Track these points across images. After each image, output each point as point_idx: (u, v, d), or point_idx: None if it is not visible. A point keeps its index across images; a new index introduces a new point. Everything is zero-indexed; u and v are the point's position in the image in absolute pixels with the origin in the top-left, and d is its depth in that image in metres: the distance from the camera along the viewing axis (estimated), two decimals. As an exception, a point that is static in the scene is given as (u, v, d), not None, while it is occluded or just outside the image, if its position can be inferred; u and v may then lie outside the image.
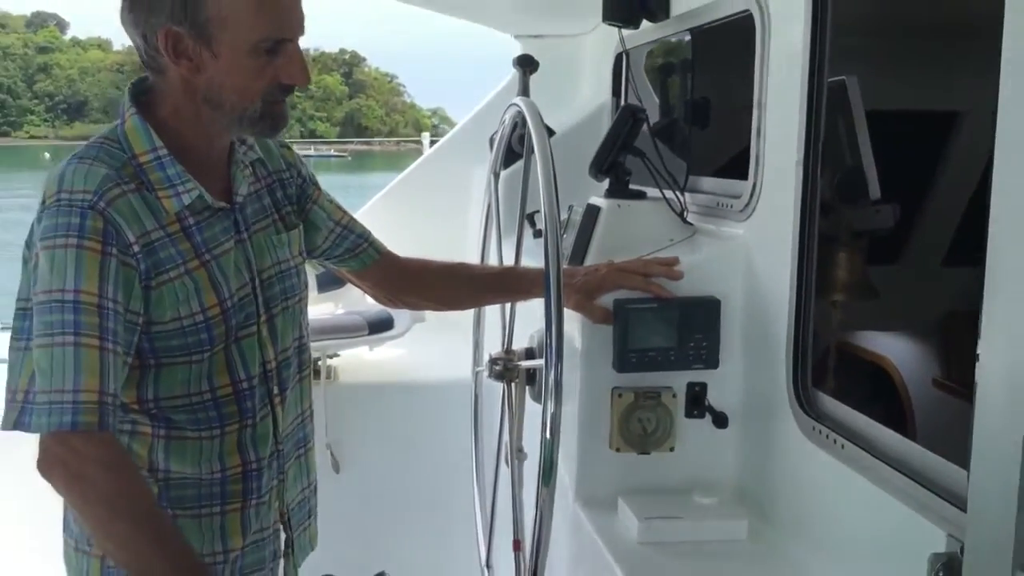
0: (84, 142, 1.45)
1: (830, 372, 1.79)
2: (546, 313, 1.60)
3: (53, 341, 1.29)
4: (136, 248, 1.34)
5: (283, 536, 1.63)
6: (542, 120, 1.83)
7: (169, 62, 1.38)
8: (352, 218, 1.78)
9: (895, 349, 2.24)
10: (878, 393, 1.92)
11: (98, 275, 1.30)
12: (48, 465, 1.30)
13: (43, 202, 1.35)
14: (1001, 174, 0.80)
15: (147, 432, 1.44)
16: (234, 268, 1.46)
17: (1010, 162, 0.79)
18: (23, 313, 1.36)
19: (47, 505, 1.48)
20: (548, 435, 1.59)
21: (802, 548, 1.65)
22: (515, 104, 1.98)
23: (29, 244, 1.36)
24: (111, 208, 1.32)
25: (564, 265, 1.95)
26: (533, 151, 1.75)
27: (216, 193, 1.47)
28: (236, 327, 1.46)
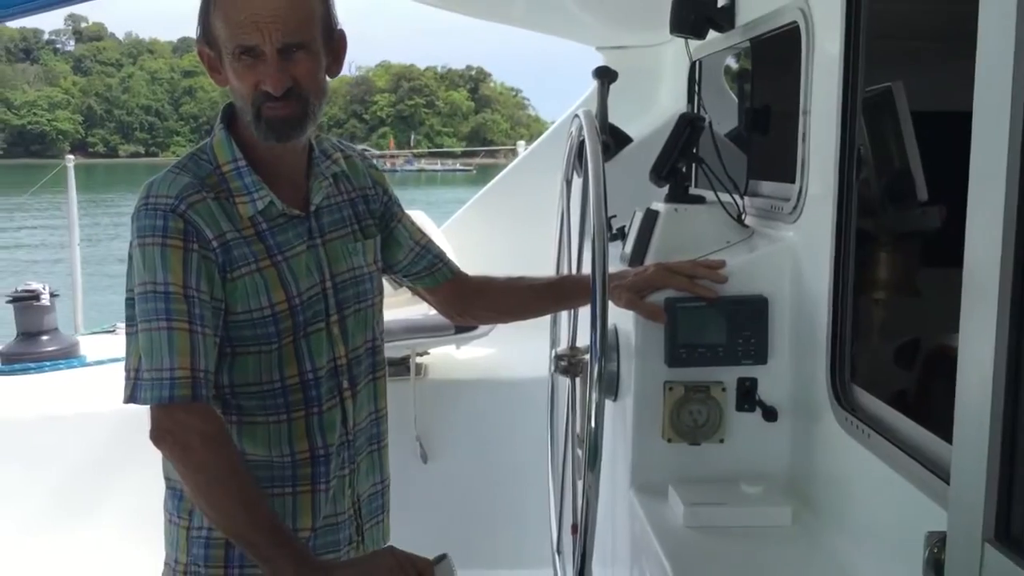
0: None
1: (871, 367, 1.84)
2: (592, 313, 1.73)
3: (150, 326, 1.50)
4: (215, 244, 1.54)
5: (357, 523, 1.76)
6: (597, 131, 1.96)
7: (208, 75, 1.61)
8: (430, 239, 1.94)
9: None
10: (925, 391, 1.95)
11: (182, 268, 1.51)
12: (158, 435, 1.51)
13: (136, 206, 1.56)
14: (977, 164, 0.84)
15: (222, 417, 1.60)
16: (305, 269, 1.63)
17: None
18: (130, 302, 1.57)
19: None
20: (592, 424, 1.72)
21: (841, 536, 1.72)
22: (577, 116, 2.12)
23: (130, 244, 1.57)
24: (191, 211, 1.53)
25: (624, 267, 2.08)
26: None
27: (292, 201, 1.64)
28: (304, 323, 1.62)
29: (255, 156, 1.62)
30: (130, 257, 1.56)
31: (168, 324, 1.49)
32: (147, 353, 1.51)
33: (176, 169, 1.59)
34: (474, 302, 2.02)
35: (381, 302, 1.81)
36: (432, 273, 1.93)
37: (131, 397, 1.56)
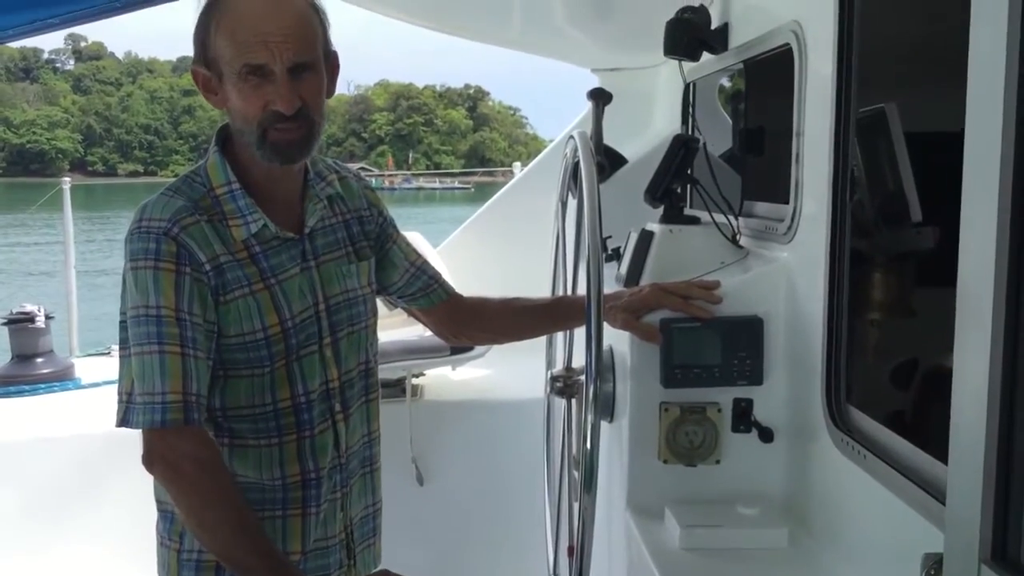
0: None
1: (866, 388, 1.84)
2: (587, 334, 1.73)
3: (142, 350, 1.50)
4: (207, 267, 1.53)
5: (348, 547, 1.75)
6: (592, 153, 1.97)
7: (204, 96, 1.60)
8: (425, 260, 1.94)
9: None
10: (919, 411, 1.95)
11: (174, 292, 1.50)
12: (150, 459, 1.51)
13: (129, 230, 1.55)
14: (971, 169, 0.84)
15: (213, 440, 1.59)
16: (298, 292, 1.62)
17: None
18: (123, 325, 1.56)
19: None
20: (588, 445, 1.72)
21: (838, 557, 1.71)
22: (572, 137, 2.13)
23: (124, 267, 1.56)
24: (184, 234, 1.52)
25: (619, 288, 2.08)
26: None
27: (286, 224, 1.64)
28: (297, 346, 1.61)
29: (249, 178, 1.62)
30: (124, 281, 1.56)
31: (160, 348, 1.48)
32: (139, 377, 1.50)
33: (170, 192, 1.58)
34: (469, 323, 2.02)
35: (375, 324, 1.81)
36: (427, 294, 1.93)
37: (123, 421, 1.55)
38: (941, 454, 1.37)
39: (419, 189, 60.04)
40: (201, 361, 1.51)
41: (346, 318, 1.70)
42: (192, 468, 1.49)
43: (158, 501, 1.67)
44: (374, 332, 1.80)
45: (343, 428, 1.70)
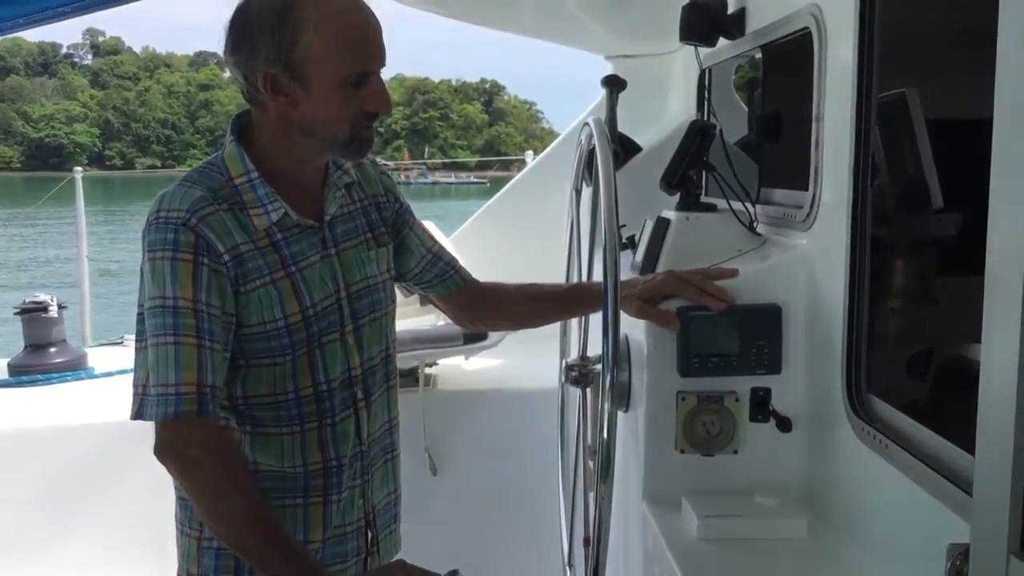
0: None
1: (887, 376, 1.81)
2: (603, 322, 1.70)
3: (158, 341, 1.48)
4: (227, 258, 1.51)
5: (368, 535, 1.74)
6: (608, 140, 1.94)
7: (268, 99, 1.55)
8: (442, 247, 1.93)
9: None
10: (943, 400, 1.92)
11: (192, 282, 1.48)
12: (162, 450, 1.49)
13: (147, 219, 1.53)
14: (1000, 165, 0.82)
15: (235, 427, 1.60)
16: (319, 280, 1.61)
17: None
18: (141, 317, 1.55)
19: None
20: (604, 434, 1.69)
21: (858, 548, 1.68)
22: (587, 124, 2.10)
23: (142, 259, 1.55)
24: (202, 224, 1.50)
25: (634, 276, 2.05)
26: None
27: (306, 212, 1.63)
28: (318, 333, 1.61)
29: (270, 167, 1.60)
30: (141, 273, 1.54)
31: (175, 339, 1.47)
32: (153, 368, 1.49)
33: (187, 182, 1.56)
34: (486, 309, 2.01)
35: (394, 310, 1.80)
36: (444, 281, 1.92)
37: (138, 414, 1.54)
38: (965, 443, 1.35)
39: (435, 184, 60.19)
40: (217, 353, 1.50)
41: (367, 305, 1.70)
42: (204, 457, 1.48)
43: (176, 489, 1.65)
44: (393, 319, 1.80)
45: (365, 415, 1.70)
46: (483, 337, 3.35)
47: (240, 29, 1.53)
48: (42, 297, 4.30)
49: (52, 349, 4.25)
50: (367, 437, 1.71)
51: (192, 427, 1.47)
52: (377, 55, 1.55)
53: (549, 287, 2.06)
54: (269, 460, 1.61)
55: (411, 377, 3.42)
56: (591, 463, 2.13)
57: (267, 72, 1.52)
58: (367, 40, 1.54)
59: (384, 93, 1.57)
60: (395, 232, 1.83)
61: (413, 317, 3.18)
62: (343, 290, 1.65)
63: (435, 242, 1.92)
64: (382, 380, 1.75)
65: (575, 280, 2.44)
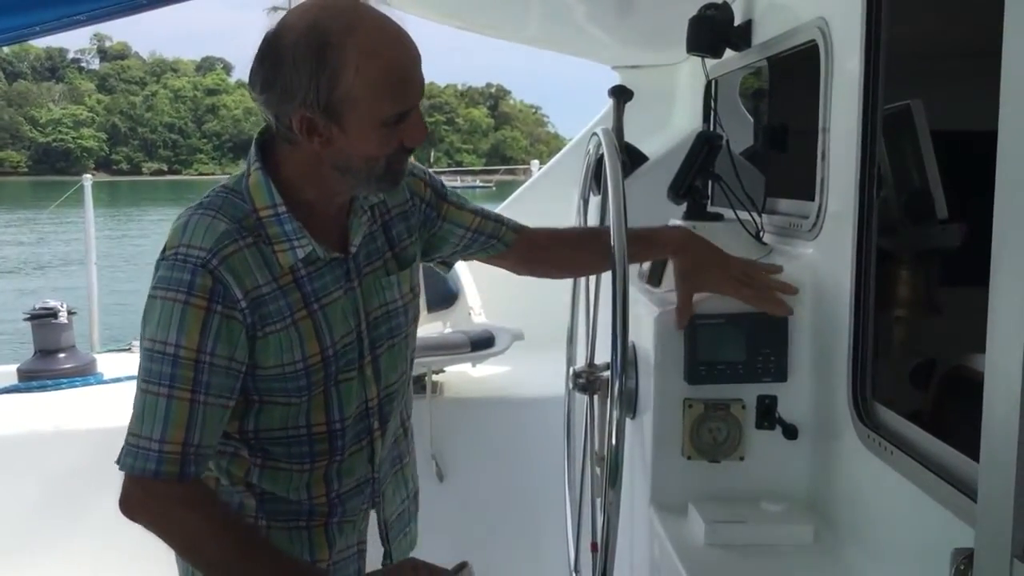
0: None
1: (892, 384, 1.83)
2: (612, 329, 1.73)
3: (149, 388, 1.40)
4: (244, 304, 1.42)
5: (381, 550, 1.75)
6: (617, 150, 1.96)
7: (303, 140, 1.43)
8: (483, 219, 1.88)
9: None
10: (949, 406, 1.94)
11: (199, 331, 1.39)
12: (129, 506, 1.43)
13: (164, 249, 1.44)
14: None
15: (245, 457, 1.57)
16: (341, 315, 1.54)
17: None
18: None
19: None
20: (613, 441, 1.71)
21: (864, 554, 1.70)
22: (596, 134, 2.12)
23: (150, 290, 1.45)
24: (223, 266, 1.40)
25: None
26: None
27: (331, 243, 1.54)
28: (336, 372, 1.54)
29: (298, 200, 1.51)
30: (146, 305, 1.44)
31: (169, 391, 1.39)
32: (138, 416, 1.42)
33: (211, 211, 1.46)
34: (541, 259, 2.02)
35: (415, 329, 1.75)
36: (485, 249, 1.90)
37: (119, 460, 1.45)
38: (970, 450, 1.37)
39: (441, 188, 60.16)
40: (213, 407, 1.42)
41: (385, 332, 1.63)
42: (182, 508, 1.43)
43: None
44: (414, 337, 1.74)
45: (380, 444, 1.66)
46: (490, 344, 3.37)
47: (272, 66, 1.40)
48: (52, 303, 4.33)
49: (61, 355, 4.28)
50: (379, 463, 1.68)
51: (169, 487, 1.41)
52: (418, 91, 1.45)
53: (599, 237, 1.95)
54: (275, 489, 1.59)
55: (418, 384, 3.44)
56: (598, 469, 2.15)
57: (304, 116, 1.40)
58: (410, 78, 1.44)
59: (423, 126, 1.48)
60: (426, 231, 1.77)
61: (421, 325, 3.20)
62: (363, 322, 1.59)
63: (474, 217, 1.86)
64: (399, 404, 1.71)
65: (582, 290, 2.47)
